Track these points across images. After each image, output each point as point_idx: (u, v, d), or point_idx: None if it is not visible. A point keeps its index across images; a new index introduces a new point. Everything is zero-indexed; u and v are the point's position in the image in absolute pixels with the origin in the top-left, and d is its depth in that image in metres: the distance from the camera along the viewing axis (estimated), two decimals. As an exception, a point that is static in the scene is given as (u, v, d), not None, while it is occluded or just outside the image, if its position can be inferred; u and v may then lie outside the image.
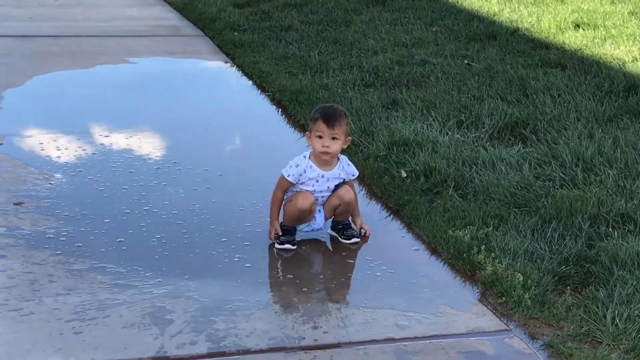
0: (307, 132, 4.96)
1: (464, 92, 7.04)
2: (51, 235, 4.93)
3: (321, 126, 4.80)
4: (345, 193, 4.95)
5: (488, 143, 6.14)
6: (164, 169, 5.98)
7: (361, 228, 5.01)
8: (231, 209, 5.38)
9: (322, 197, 4.97)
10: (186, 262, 4.72)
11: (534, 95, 6.82)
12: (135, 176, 5.83)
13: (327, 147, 4.84)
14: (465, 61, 7.97)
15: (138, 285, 4.44)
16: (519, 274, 4.45)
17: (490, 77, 7.31)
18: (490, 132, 6.28)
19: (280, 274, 4.74)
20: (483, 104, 6.72)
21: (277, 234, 4.90)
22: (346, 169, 4.95)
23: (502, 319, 4.23)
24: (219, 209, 5.37)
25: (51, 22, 10.48)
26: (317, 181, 4.92)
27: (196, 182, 5.77)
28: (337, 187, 4.97)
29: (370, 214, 5.27)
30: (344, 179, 4.96)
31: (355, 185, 5.26)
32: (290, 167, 4.93)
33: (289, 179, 4.90)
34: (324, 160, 4.87)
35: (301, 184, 4.93)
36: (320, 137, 4.82)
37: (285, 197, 5.01)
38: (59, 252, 4.74)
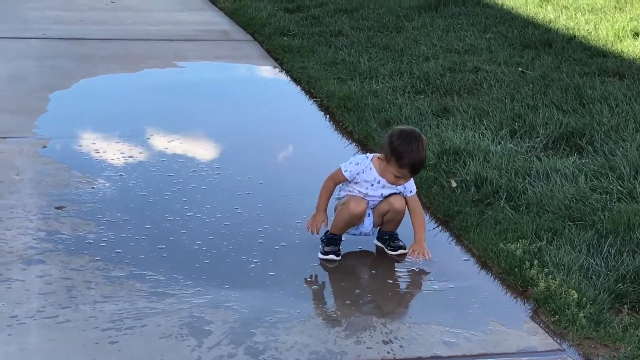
0: (380, 155, 4.73)
1: (518, 100, 6.83)
2: (91, 241, 4.83)
3: (405, 173, 4.64)
4: (396, 200, 4.78)
5: (542, 153, 5.93)
6: (208, 174, 5.86)
7: (417, 252, 4.70)
8: (274, 217, 5.24)
9: (373, 202, 4.81)
10: (226, 270, 4.59)
11: (591, 105, 6.58)
12: (174, 179, 5.73)
13: (400, 183, 4.72)
14: (520, 69, 7.76)
15: (177, 294, 4.31)
16: (574, 291, 4.25)
17: (545, 86, 7.10)
18: (544, 142, 6.07)
19: (323, 285, 4.59)
20: (537, 112, 6.51)
21: (323, 242, 4.75)
22: (406, 184, 4.77)
23: (555, 338, 4.03)
24: (261, 216, 5.24)
25: (101, 25, 10.44)
26: (372, 185, 4.75)
27: (239, 187, 5.65)
28: (389, 195, 4.80)
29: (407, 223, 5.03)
30: (400, 192, 4.78)
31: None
32: (350, 163, 4.79)
33: (345, 174, 4.76)
34: (389, 181, 4.72)
35: (355, 183, 4.78)
36: (397, 177, 4.67)
37: (337, 198, 4.86)
38: (98, 258, 4.64)
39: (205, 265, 4.63)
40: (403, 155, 4.58)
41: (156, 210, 5.28)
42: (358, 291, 4.45)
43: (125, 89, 7.90)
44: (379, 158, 4.74)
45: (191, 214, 5.24)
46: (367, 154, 4.85)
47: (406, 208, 4.81)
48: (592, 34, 8.93)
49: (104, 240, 4.85)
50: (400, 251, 4.80)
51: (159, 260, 4.66)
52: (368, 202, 4.78)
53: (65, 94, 7.63)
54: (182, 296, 4.30)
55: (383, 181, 4.73)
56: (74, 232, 4.93)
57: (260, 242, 4.92)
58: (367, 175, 4.75)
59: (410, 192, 4.80)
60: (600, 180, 5.41)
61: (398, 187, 4.75)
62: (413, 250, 4.71)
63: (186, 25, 10.64)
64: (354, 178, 4.78)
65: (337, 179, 4.84)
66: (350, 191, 4.82)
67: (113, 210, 5.24)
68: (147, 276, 4.48)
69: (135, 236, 4.93)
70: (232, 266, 4.64)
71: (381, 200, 4.80)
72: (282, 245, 4.88)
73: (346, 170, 4.78)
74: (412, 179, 4.79)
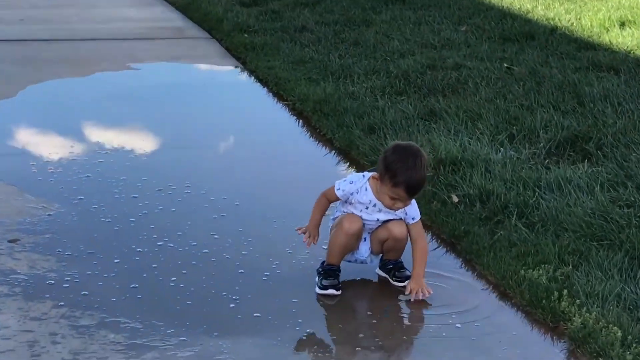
0: (373, 175, 4.18)
1: (510, 100, 6.29)
2: (52, 281, 4.19)
3: (401, 194, 4.06)
4: (395, 227, 4.21)
5: (547, 160, 5.39)
6: (177, 193, 5.23)
7: (415, 291, 4.13)
8: (256, 243, 4.64)
9: (370, 227, 4.24)
10: (212, 313, 3.98)
11: (592, 104, 6.06)
12: (139, 202, 5.11)
13: (398, 207, 4.14)
14: (505, 65, 7.21)
15: (159, 347, 3.69)
16: (615, 328, 3.71)
17: (537, 83, 6.56)
18: (547, 147, 5.53)
19: (326, 327, 3.99)
20: (534, 114, 5.97)
21: (320, 274, 4.18)
22: (406, 208, 4.19)
23: (603, 387, 3.50)
24: (241, 243, 4.63)
25: (44, 24, 9.70)
26: (367, 208, 4.18)
27: (212, 209, 5.04)
28: (388, 220, 4.23)
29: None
30: (401, 218, 4.21)
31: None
32: (345, 181, 4.22)
33: (337, 193, 4.20)
34: (385, 205, 4.14)
35: (350, 204, 4.20)
36: (394, 198, 4.09)
37: (332, 218, 4.28)
38: (62, 304, 4.00)
39: (186, 308, 4.02)
40: (397, 173, 4.01)
41: (123, 240, 4.65)
42: (367, 334, 3.86)
43: (76, 96, 7.20)
44: (373, 177, 4.16)
45: (162, 243, 4.62)
46: (365, 173, 4.27)
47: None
48: (575, 24, 8.42)
49: (67, 280, 4.21)
50: (407, 282, 4.23)
51: (133, 303, 4.04)
52: (364, 225, 4.21)
53: (10, 103, 6.94)
54: (165, 349, 3.68)
55: (379, 204, 4.16)
56: (32, 271, 4.28)
57: (246, 274, 4.32)
58: (361, 197, 4.17)
59: (413, 218, 4.23)
60: (619, 191, 4.88)
61: (397, 212, 4.17)
62: (411, 290, 4.14)
63: (137, 22, 9.95)
64: (348, 198, 4.20)
65: (330, 197, 4.27)
66: (344, 212, 4.25)
67: (75, 242, 4.60)
68: (121, 324, 3.85)
69: (103, 273, 4.29)
70: (217, 307, 4.03)
71: (379, 226, 4.23)
72: (273, 277, 4.29)
73: (339, 189, 4.21)
74: (414, 204, 4.22)
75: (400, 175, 4.00)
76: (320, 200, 4.30)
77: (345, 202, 4.23)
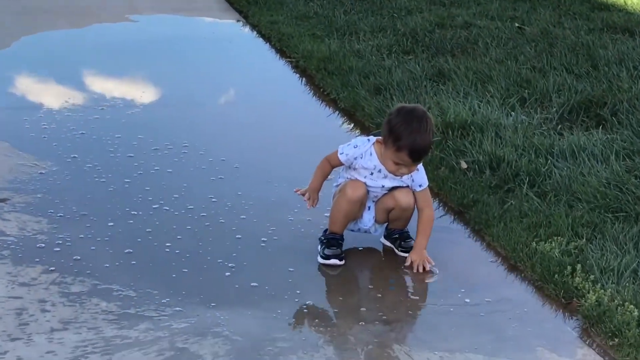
0: (378, 139, 3.97)
1: (522, 62, 6.06)
2: (42, 245, 4.01)
3: (405, 159, 3.86)
4: (403, 196, 4.01)
5: (560, 126, 5.19)
6: (173, 153, 5.04)
7: (416, 263, 3.97)
8: (255, 207, 4.46)
9: (375, 194, 4.05)
10: (208, 282, 3.80)
11: (606, 68, 5.84)
12: (135, 161, 4.93)
13: (403, 173, 3.94)
14: (516, 24, 6.97)
15: (153, 317, 3.51)
16: (632, 306, 3.53)
17: (549, 45, 6.33)
18: (560, 112, 5.32)
19: (328, 300, 3.81)
20: (547, 77, 5.75)
21: (323, 243, 4.01)
22: (413, 174, 4.00)
23: (619, 369, 3.32)
24: (239, 207, 4.45)
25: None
26: (372, 174, 3.98)
27: (210, 171, 4.85)
28: (394, 188, 4.03)
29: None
30: (408, 185, 4.02)
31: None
32: (349, 145, 4.02)
33: (340, 157, 4.00)
34: (389, 170, 3.94)
35: (353, 170, 4.01)
36: (398, 163, 3.89)
37: (334, 186, 4.10)
38: (52, 269, 3.82)
39: (182, 276, 3.84)
40: (401, 136, 3.80)
41: (117, 202, 4.46)
42: (370, 308, 3.68)
43: (73, 49, 6.98)
44: (378, 141, 3.96)
45: (157, 206, 4.44)
46: (370, 137, 4.06)
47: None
48: (589, -17, 8.18)
49: (58, 244, 4.02)
50: (410, 253, 4.06)
51: (126, 270, 3.86)
52: (368, 192, 4.01)
53: (5, 54, 6.72)
54: (159, 319, 3.50)
55: (384, 170, 3.96)
56: (22, 233, 4.10)
57: (245, 240, 4.14)
58: (365, 162, 3.97)
59: (420, 186, 4.03)
60: (634, 160, 4.69)
61: (403, 179, 3.98)
62: (412, 262, 3.97)
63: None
64: (352, 163, 4.00)
65: (333, 162, 4.07)
66: (348, 178, 4.06)
67: (67, 203, 4.41)
68: (114, 292, 3.68)
69: (97, 237, 4.11)
70: (211, 275, 3.86)
71: (385, 194, 4.04)
72: (272, 244, 4.12)
73: (342, 153, 4.01)
74: (422, 170, 4.02)
75: (404, 138, 3.80)
76: (322, 164, 4.10)
77: (349, 167, 4.04)
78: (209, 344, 3.35)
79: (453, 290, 3.80)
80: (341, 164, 4.04)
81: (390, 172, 3.94)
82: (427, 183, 4.05)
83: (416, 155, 3.85)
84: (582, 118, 5.27)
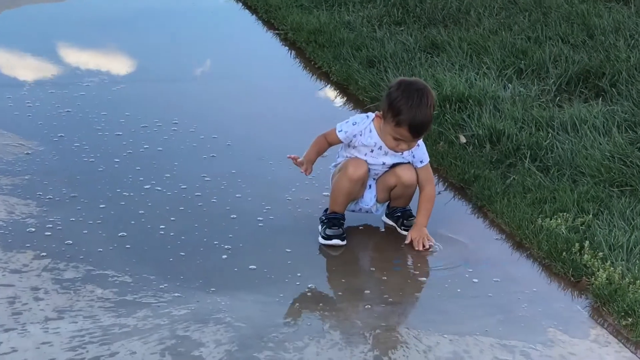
0: (377, 113, 3.86)
1: (516, 32, 5.93)
2: (33, 229, 3.87)
3: (405, 134, 3.74)
4: (405, 172, 3.90)
5: (558, 98, 5.08)
6: (163, 130, 4.91)
7: (417, 240, 3.87)
8: (249, 186, 4.34)
9: (376, 172, 3.93)
10: (206, 266, 3.68)
11: (602, 37, 5.72)
12: (124, 139, 4.78)
13: (403, 149, 3.82)
14: (508, -7, 6.83)
15: (151, 304, 3.39)
16: (644, 284, 3.45)
17: (543, 14, 6.19)
18: (557, 83, 5.21)
19: (331, 282, 3.69)
20: (542, 47, 5.63)
21: (323, 223, 3.90)
22: (413, 150, 3.88)
23: (634, 349, 3.23)
24: (233, 186, 4.33)
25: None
26: (372, 151, 3.86)
27: (202, 149, 4.71)
28: (395, 165, 3.92)
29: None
30: (409, 162, 3.90)
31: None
32: (347, 122, 3.89)
33: (339, 135, 3.87)
34: (388, 146, 3.82)
35: (353, 147, 3.88)
36: (397, 139, 3.76)
37: (333, 166, 3.98)
38: (44, 254, 3.68)
39: (178, 260, 3.72)
40: (401, 110, 3.68)
41: (107, 183, 4.32)
42: (375, 290, 3.57)
43: (57, 23, 6.78)
44: (377, 116, 3.84)
45: (149, 186, 4.31)
46: (368, 113, 3.94)
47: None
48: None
49: (49, 228, 3.88)
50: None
51: (121, 254, 3.73)
52: (369, 170, 3.89)
53: (-16, 30, 6.53)
54: (158, 306, 3.38)
55: (385, 146, 3.84)
56: (10, 217, 3.96)
57: (242, 221, 4.02)
58: (365, 139, 3.85)
59: (421, 162, 3.92)
60: (637, 132, 4.59)
61: (404, 155, 3.86)
62: (412, 239, 3.86)
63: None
64: (351, 141, 3.88)
65: (331, 139, 3.94)
66: (347, 157, 3.93)
67: (56, 184, 4.27)
68: (109, 278, 3.55)
69: (88, 220, 3.97)
70: (209, 258, 3.74)
71: (387, 171, 3.92)
72: (270, 225, 4.00)
73: (341, 131, 3.88)
74: (422, 146, 3.91)
75: (403, 113, 3.68)
76: (318, 139, 3.97)
77: (348, 145, 3.91)
78: (210, 331, 3.24)
79: (460, 270, 3.70)
80: (339, 141, 3.92)
81: (389, 148, 3.83)
82: (428, 159, 3.94)
83: (416, 131, 3.73)
84: (580, 89, 5.16)
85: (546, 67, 5.37)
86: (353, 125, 3.88)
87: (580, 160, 4.33)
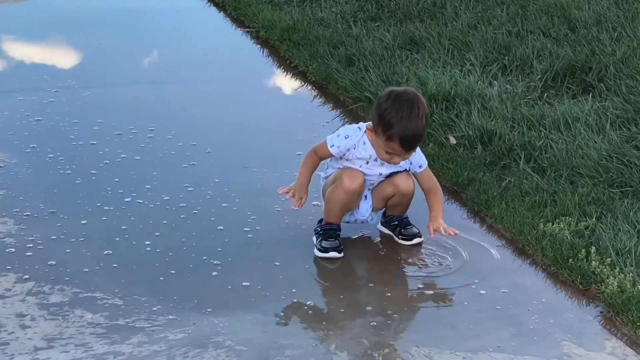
0: (368, 124, 3.70)
1: (496, 26, 5.80)
2: (12, 249, 3.66)
3: (397, 148, 3.58)
4: (403, 181, 3.75)
5: (545, 94, 4.96)
6: (139, 138, 4.71)
7: (441, 227, 3.71)
8: (233, 195, 4.17)
9: (371, 182, 3.77)
10: (198, 284, 3.51)
11: (585, 30, 5.61)
12: (99, 149, 4.58)
13: (397, 162, 3.67)
14: (482, -15, 6.70)
15: (145, 328, 3.21)
16: (657, 292, 3.34)
17: (521, 7, 6.06)
18: (543, 79, 5.09)
19: (330, 298, 3.51)
20: (525, 42, 5.51)
21: (319, 234, 3.73)
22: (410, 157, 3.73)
23: (653, 362, 3.12)
24: (219, 196, 4.16)
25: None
26: (367, 163, 3.70)
27: (181, 157, 4.52)
28: (392, 174, 3.76)
29: (417, 196, 3.88)
30: (406, 170, 3.75)
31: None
32: (339, 136, 3.70)
33: (331, 150, 3.69)
34: (382, 158, 3.67)
35: (346, 160, 3.72)
36: (390, 153, 3.61)
37: (324, 177, 3.81)
38: (27, 277, 3.48)
39: (169, 278, 3.54)
40: (392, 124, 3.52)
41: (86, 196, 4.12)
42: (378, 305, 3.41)
43: (19, 25, 6.49)
44: (369, 128, 3.68)
45: (129, 199, 4.11)
46: (360, 124, 3.76)
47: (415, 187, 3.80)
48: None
49: (29, 247, 3.68)
50: (416, 240, 3.80)
51: (108, 275, 3.54)
52: (365, 180, 3.73)
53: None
54: (152, 331, 3.20)
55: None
56: (-13, 237, 3.74)
57: (230, 232, 3.85)
58: (359, 152, 3.69)
59: (420, 166, 3.78)
60: (630, 129, 4.48)
61: (400, 163, 3.70)
62: (434, 230, 3.70)
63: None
64: (344, 155, 3.71)
65: (322, 154, 3.76)
66: (339, 168, 3.76)
67: (33, 199, 4.06)
68: (98, 300, 3.36)
69: (70, 238, 3.77)
70: (200, 276, 3.56)
71: (383, 181, 3.77)
72: (261, 236, 3.83)
73: (332, 145, 3.70)
74: (418, 150, 3.76)
75: (394, 127, 3.52)
76: (309, 156, 3.78)
77: (340, 158, 3.75)
78: (211, 357, 3.07)
79: (464, 280, 3.56)
80: (331, 156, 3.75)
81: (383, 160, 3.67)
82: (426, 162, 3.80)
83: (408, 144, 3.58)
84: (567, 85, 5.05)
85: (530, 62, 5.25)
86: (345, 138, 3.70)
87: (576, 160, 4.22)
